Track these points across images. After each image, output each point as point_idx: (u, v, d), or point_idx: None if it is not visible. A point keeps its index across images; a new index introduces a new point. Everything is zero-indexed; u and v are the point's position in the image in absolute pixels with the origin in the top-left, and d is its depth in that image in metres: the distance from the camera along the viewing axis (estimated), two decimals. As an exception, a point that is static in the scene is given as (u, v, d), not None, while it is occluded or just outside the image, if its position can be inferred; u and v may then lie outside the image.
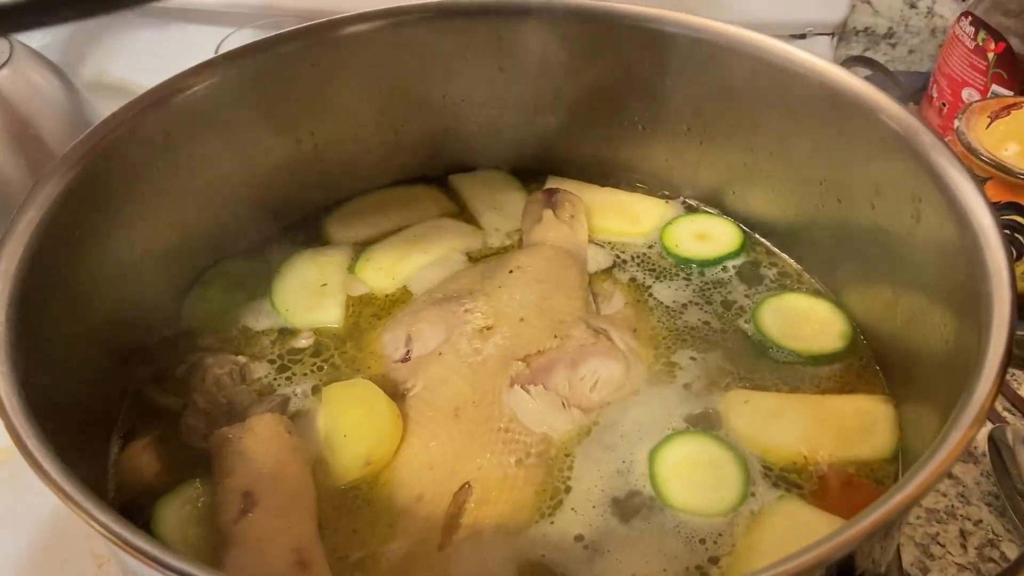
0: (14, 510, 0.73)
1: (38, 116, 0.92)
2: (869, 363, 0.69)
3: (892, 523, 0.40)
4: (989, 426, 0.80)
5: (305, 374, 0.69)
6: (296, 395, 0.67)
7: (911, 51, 1.29)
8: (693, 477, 0.60)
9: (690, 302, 0.75)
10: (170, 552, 0.40)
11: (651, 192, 0.85)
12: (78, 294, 0.61)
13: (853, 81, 0.64)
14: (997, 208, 0.84)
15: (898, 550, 0.70)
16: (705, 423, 0.64)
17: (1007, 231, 0.85)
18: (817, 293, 0.75)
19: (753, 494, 0.60)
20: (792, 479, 0.61)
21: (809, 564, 0.37)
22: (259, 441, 0.58)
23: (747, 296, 0.75)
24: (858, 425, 0.63)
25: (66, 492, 0.43)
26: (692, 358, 0.70)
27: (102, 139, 0.61)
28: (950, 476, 0.77)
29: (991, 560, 0.70)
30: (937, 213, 0.58)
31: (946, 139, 0.90)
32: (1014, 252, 0.86)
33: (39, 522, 0.72)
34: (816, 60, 0.67)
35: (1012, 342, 0.45)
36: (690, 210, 0.83)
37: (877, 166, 0.64)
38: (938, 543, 0.72)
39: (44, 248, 0.56)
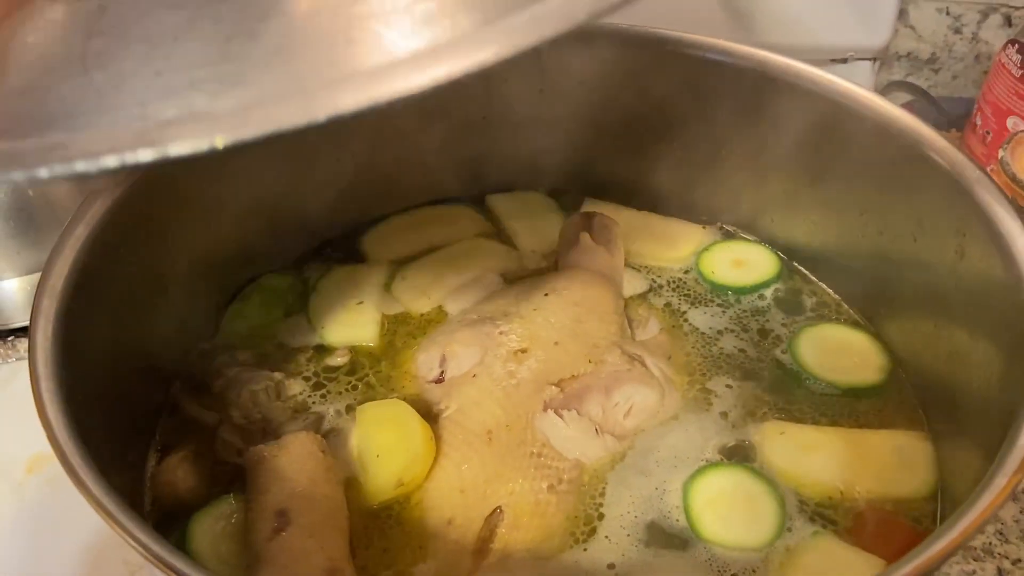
0: (49, 515, 0.74)
1: (85, 127, 0.94)
2: (908, 398, 0.68)
3: (933, 569, 0.39)
4: (1030, 463, 0.79)
5: (340, 392, 0.70)
6: (330, 413, 0.67)
7: (954, 77, 1.28)
8: (728, 511, 0.59)
9: (726, 329, 0.74)
10: (202, 570, 0.40)
11: (688, 217, 0.84)
12: (120, 309, 0.62)
13: (898, 113, 0.64)
14: (1041, 240, 0.83)
15: (933, 587, 0.69)
16: (740, 454, 0.64)
17: (1051, 264, 0.84)
18: (856, 324, 0.74)
19: (789, 529, 0.59)
20: (828, 515, 0.60)
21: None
22: (293, 460, 0.58)
23: (784, 325, 0.75)
24: (896, 462, 0.62)
25: (106, 508, 0.43)
26: (728, 386, 0.69)
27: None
28: (988, 513, 0.75)
29: (1030, 601, 0.69)
30: (981, 249, 0.57)
31: (989, 168, 0.89)
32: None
33: (72, 527, 0.72)
34: (861, 91, 0.66)
35: (1059, 386, 0.45)
36: (728, 236, 0.83)
37: (920, 199, 0.64)
38: (975, 581, 0.71)
39: (90, 265, 0.57)
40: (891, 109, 0.64)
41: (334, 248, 0.82)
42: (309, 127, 0.31)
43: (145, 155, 0.30)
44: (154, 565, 0.42)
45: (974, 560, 0.72)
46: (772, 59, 0.71)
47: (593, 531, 0.60)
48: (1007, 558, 0.72)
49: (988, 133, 1.06)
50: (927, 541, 0.39)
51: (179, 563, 0.42)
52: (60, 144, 0.29)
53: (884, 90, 1.26)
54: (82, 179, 0.28)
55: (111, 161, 0.30)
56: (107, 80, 0.32)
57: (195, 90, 0.32)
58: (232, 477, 0.62)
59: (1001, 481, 0.41)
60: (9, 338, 0.90)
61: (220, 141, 0.30)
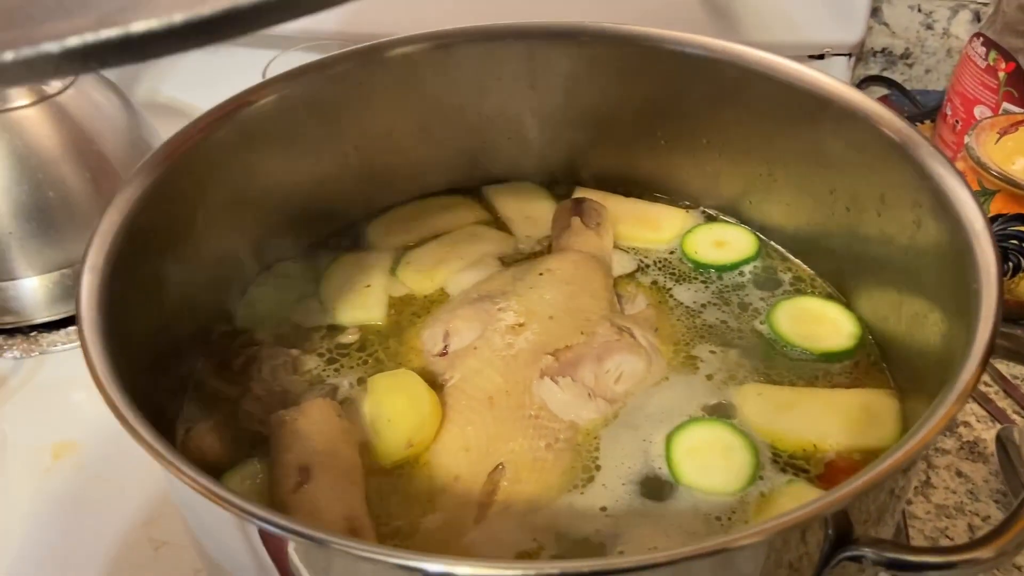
0: (75, 499, 0.79)
1: (100, 132, 0.99)
2: (876, 360, 0.73)
3: (880, 486, 0.45)
4: (997, 426, 0.84)
5: (352, 367, 0.75)
6: (344, 385, 0.72)
7: (928, 71, 1.33)
8: (705, 460, 0.64)
9: (709, 303, 0.80)
10: (245, 498, 0.45)
11: (673, 202, 0.90)
12: (151, 291, 0.66)
13: (856, 96, 0.69)
14: (1006, 220, 0.89)
15: (908, 541, 0.74)
16: (721, 413, 0.69)
17: (1015, 242, 0.89)
18: (829, 296, 0.80)
19: (761, 477, 0.64)
20: (800, 465, 0.65)
21: (798, 521, 0.42)
22: (312, 422, 0.63)
23: (762, 299, 0.80)
24: (864, 417, 0.67)
25: (162, 454, 0.47)
26: (712, 351, 0.74)
27: (175, 149, 0.67)
28: (960, 474, 0.81)
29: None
30: (935, 219, 0.62)
31: (958, 155, 0.94)
32: (1023, 262, 0.91)
33: (97, 511, 0.77)
34: (823, 77, 0.72)
35: (996, 332, 0.50)
36: (709, 219, 0.88)
37: (881, 176, 0.69)
38: (947, 537, 0.76)
39: (124, 248, 0.61)
40: (849, 92, 0.70)
41: (342, 237, 0.87)
42: (266, 5, 0.32)
43: (107, 34, 0.31)
44: (209, 499, 0.46)
45: (947, 518, 0.77)
46: (744, 52, 0.76)
47: (591, 479, 0.65)
48: (977, 515, 0.77)
49: (958, 122, 1.12)
50: (873, 463, 0.44)
51: (225, 492, 0.46)
52: (24, 34, 0.31)
53: (860, 84, 1.32)
54: (46, 71, 0.30)
55: (74, 41, 0.31)
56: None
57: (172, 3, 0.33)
58: (255, 444, 0.67)
59: (941, 412, 0.46)
60: (32, 333, 0.95)
61: (179, 17, 0.31)
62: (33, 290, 0.96)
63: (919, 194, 0.64)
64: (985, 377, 0.89)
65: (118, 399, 0.50)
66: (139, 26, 0.31)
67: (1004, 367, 0.90)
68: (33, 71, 0.31)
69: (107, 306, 0.57)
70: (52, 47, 0.31)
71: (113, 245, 0.60)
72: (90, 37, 0.31)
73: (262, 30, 0.33)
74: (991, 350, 0.50)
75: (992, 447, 0.81)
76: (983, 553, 0.45)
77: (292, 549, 0.46)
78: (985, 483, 0.80)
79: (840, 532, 0.46)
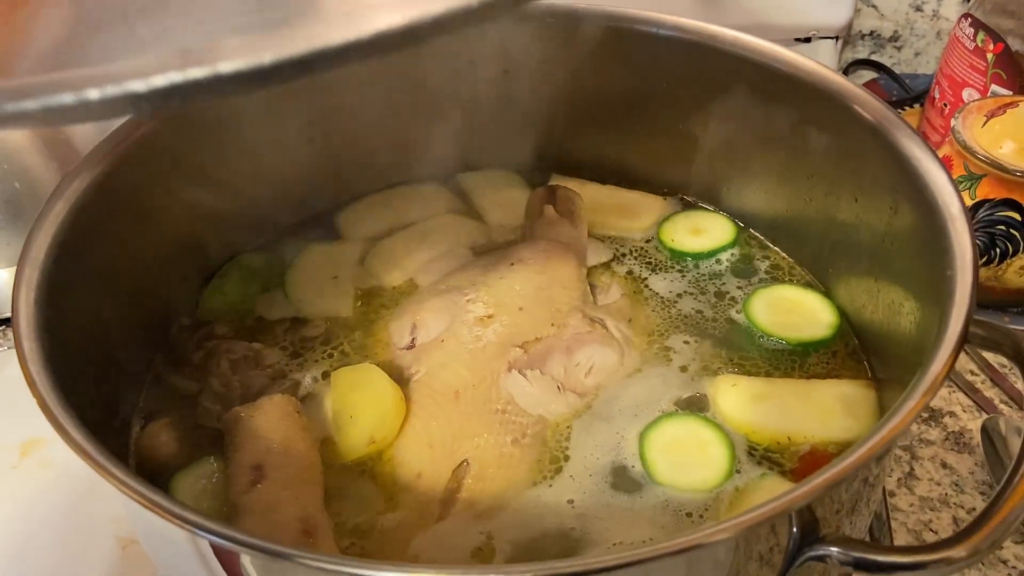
0: (43, 496, 0.77)
1: (69, 121, 0.97)
2: (854, 350, 0.71)
3: (846, 482, 0.43)
4: (983, 416, 0.82)
5: (316, 360, 0.73)
6: (307, 380, 0.71)
7: (917, 54, 1.31)
8: (681, 457, 0.63)
9: (685, 292, 0.78)
10: (190, 509, 0.43)
11: (650, 189, 0.87)
12: (102, 283, 0.64)
13: (831, 76, 0.67)
14: (992, 206, 0.87)
15: (891, 534, 0.72)
16: (695, 405, 0.67)
17: (1002, 227, 0.87)
18: (807, 284, 0.78)
19: (738, 471, 0.62)
20: (775, 458, 0.64)
21: (761, 519, 0.40)
22: (269, 419, 0.61)
23: (739, 288, 0.78)
24: (840, 408, 0.66)
25: (95, 459, 0.46)
26: (686, 342, 0.73)
27: (125, 138, 0.65)
28: (944, 466, 0.79)
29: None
30: (911, 203, 0.60)
31: (946, 139, 0.92)
32: (1010, 248, 0.88)
33: (65, 509, 0.76)
34: (798, 58, 0.70)
35: (970, 319, 0.48)
36: (687, 206, 0.86)
37: (858, 160, 0.67)
38: (931, 530, 0.74)
39: (70, 239, 0.59)
40: (823, 72, 0.68)
41: (310, 227, 0.85)
42: (355, 45, 0.31)
43: (195, 73, 0.29)
44: (147, 508, 0.44)
45: (931, 510, 0.75)
46: (720, 33, 0.74)
47: (559, 470, 0.63)
48: (962, 507, 0.75)
49: (946, 105, 1.10)
50: (838, 458, 0.42)
51: (168, 503, 0.44)
52: (107, 72, 0.29)
53: (848, 68, 1.29)
54: (126, 110, 0.28)
55: (160, 80, 0.29)
56: (150, 31, 0.32)
57: (238, 34, 0.32)
58: (212, 442, 0.65)
59: (909, 404, 0.44)
60: (0, 327, 0.93)
61: (268, 57, 0.30)
62: (2, 284, 0.94)
63: (896, 178, 0.62)
64: (972, 366, 0.87)
65: (52, 402, 0.48)
66: (228, 66, 0.30)
67: (991, 355, 0.88)
68: (113, 109, 0.30)
69: (49, 301, 0.55)
70: (138, 86, 0.29)
71: (56, 238, 0.58)
72: (176, 76, 0.30)
73: (344, 68, 0.31)
74: (964, 338, 0.48)
75: (978, 438, 0.80)
76: (956, 552, 0.43)
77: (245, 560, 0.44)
78: (971, 475, 0.78)
79: (805, 530, 0.44)
